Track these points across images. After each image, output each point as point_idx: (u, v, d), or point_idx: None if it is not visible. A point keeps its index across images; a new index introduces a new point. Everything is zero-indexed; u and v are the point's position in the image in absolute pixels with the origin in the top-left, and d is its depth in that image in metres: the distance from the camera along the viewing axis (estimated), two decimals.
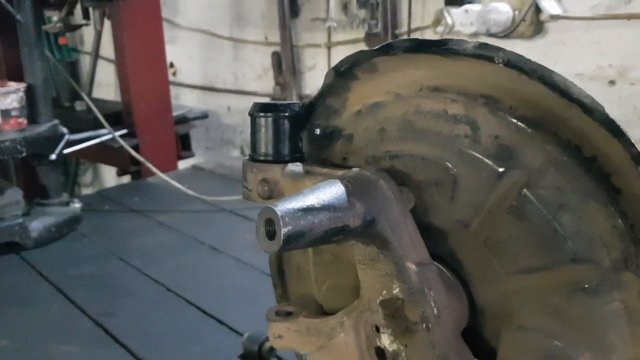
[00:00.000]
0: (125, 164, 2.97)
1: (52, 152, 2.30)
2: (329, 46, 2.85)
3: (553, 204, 0.54)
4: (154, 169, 2.66)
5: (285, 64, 2.98)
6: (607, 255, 0.52)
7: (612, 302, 0.53)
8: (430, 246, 0.64)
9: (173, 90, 3.51)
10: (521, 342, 0.58)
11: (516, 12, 2.11)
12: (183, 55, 3.70)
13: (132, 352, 1.54)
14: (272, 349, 1.48)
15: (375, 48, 0.65)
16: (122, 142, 2.70)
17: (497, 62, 0.55)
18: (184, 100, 3.73)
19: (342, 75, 0.71)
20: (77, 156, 3.63)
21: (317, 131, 0.76)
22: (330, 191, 0.59)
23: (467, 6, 2.15)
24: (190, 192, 2.55)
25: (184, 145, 3.20)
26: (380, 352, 0.67)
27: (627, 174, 0.50)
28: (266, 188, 0.70)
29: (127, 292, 1.88)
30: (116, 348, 1.58)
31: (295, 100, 3.05)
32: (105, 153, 3.08)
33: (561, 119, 0.54)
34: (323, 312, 0.81)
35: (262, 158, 0.72)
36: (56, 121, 2.32)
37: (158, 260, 2.06)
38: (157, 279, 1.93)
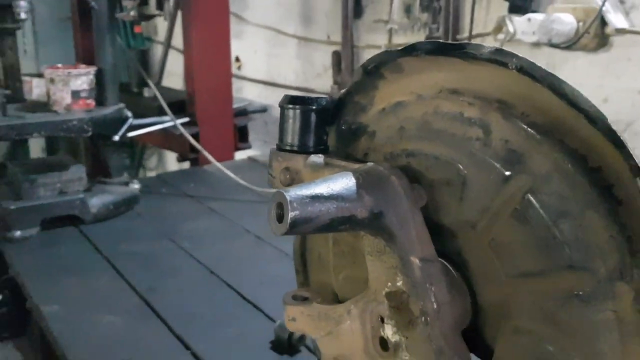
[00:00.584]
0: (185, 151, 3.09)
1: (116, 133, 2.42)
2: (389, 47, 2.86)
3: (555, 210, 0.55)
4: (210, 158, 2.75)
5: (345, 64, 3.01)
6: (603, 265, 0.53)
7: (604, 312, 0.53)
8: (439, 244, 0.66)
9: (237, 84, 3.62)
10: (516, 344, 0.60)
11: (580, 24, 2.06)
12: (249, 49, 3.79)
13: (170, 328, 1.62)
14: (302, 338, 1.52)
15: (399, 49, 0.67)
16: (182, 129, 2.80)
17: (510, 67, 0.56)
18: (247, 94, 3.83)
19: (370, 73, 0.73)
20: (142, 140, 3.78)
21: (345, 126, 0.79)
22: (341, 182, 0.62)
23: (529, 15, 2.12)
24: (242, 182, 2.62)
25: (242, 137, 3.29)
26: (383, 342, 0.69)
27: (629, 187, 0.51)
28: (288, 176, 0.73)
29: (174, 271, 1.97)
30: (157, 322, 1.66)
31: None
32: (167, 139, 3.21)
33: (570, 128, 0.55)
34: (338, 300, 0.84)
35: (287, 148, 0.75)
36: (122, 105, 2.44)
37: (205, 244, 2.15)
38: (203, 261, 2.01)
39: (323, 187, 0.61)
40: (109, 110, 2.40)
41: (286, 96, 0.76)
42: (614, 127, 0.51)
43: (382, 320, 0.69)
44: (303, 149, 0.75)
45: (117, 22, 2.89)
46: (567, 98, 0.53)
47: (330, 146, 0.80)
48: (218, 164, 2.76)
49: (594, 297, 0.53)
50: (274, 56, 3.62)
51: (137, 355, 1.49)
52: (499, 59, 0.57)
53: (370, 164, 0.66)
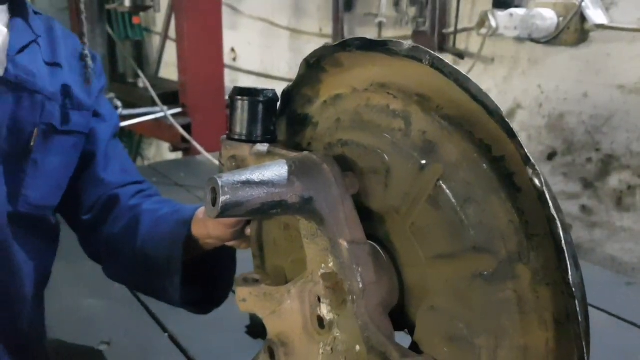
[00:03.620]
0: (177, 141, 3.14)
1: None
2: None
3: (462, 196, 0.59)
4: (199, 148, 2.80)
5: None
6: (504, 247, 0.57)
7: (505, 291, 0.57)
8: (370, 228, 0.70)
9: (232, 75, 3.66)
10: (432, 321, 0.64)
11: (560, 19, 2.09)
12: (243, 41, 3.83)
13: (149, 311, 1.67)
14: None
15: (335, 44, 0.72)
16: (172, 120, 2.85)
17: (425, 63, 0.60)
18: (241, 85, 3.86)
19: (312, 67, 0.78)
20: (136, 130, 3.83)
21: (293, 117, 0.84)
22: (273, 169, 0.66)
23: (511, 10, 2.15)
24: None
25: None
26: (320, 320, 0.74)
27: (525, 174, 0.55)
28: (234, 164, 0.78)
29: None
30: (137, 306, 1.71)
31: None
32: (160, 129, 3.26)
33: (476, 120, 0.59)
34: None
35: (236, 137, 0.80)
36: (112, 95, 2.49)
37: None
38: None
39: (255, 174, 0.65)
40: None
41: (235, 88, 0.80)
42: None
43: (319, 299, 0.73)
44: (250, 138, 0.79)
45: (106, 13, 2.92)
46: (470, 92, 0.57)
47: (280, 136, 0.85)
48: (208, 155, 2.81)
49: (496, 277, 0.58)
50: (267, 48, 3.66)
51: (116, 337, 1.54)
52: (415, 55, 0.61)
53: (305, 152, 0.70)
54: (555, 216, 0.51)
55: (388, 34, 2.81)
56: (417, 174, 0.63)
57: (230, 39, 3.33)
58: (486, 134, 0.59)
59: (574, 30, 2.09)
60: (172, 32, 3.81)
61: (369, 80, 0.71)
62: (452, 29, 2.50)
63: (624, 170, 2.10)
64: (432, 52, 0.60)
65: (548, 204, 0.51)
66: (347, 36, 3.12)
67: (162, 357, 1.51)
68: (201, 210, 1.05)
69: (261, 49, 3.72)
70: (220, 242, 1.01)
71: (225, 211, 0.63)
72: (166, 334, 1.55)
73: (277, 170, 0.67)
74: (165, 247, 1.06)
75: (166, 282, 1.07)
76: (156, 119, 3.07)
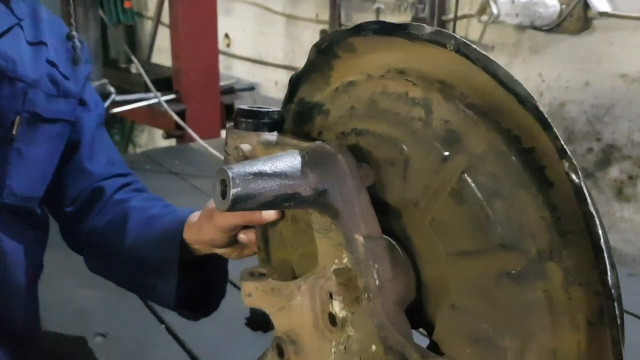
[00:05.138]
0: (171, 128, 3.09)
1: None
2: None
3: (488, 189, 0.56)
4: (194, 135, 2.75)
5: None
6: (534, 245, 0.54)
7: (534, 291, 0.54)
8: (386, 222, 0.67)
9: (226, 61, 3.61)
10: (453, 320, 0.61)
11: (563, 7, 2.06)
12: (237, 27, 3.77)
13: (147, 304, 1.63)
14: None
15: (348, 28, 0.68)
16: (166, 106, 2.80)
17: (449, 48, 0.57)
18: (236, 72, 3.82)
19: (323, 52, 0.74)
20: (129, 117, 3.78)
21: (301, 105, 0.80)
22: (286, 160, 0.63)
23: None
24: None
25: (228, 115, 3.29)
26: (332, 317, 0.71)
27: (559, 168, 0.52)
28: (241, 154, 0.74)
29: None
30: (133, 297, 1.66)
31: None
32: (154, 116, 3.21)
33: (505, 110, 0.55)
34: (296, 278, 0.85)
35: (242, 126, 0.76)
36: (105, 80, 2.44)
37: None
38: None
39: (267, 165, 0.62)
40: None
41: (239, 110, 0.77)
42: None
43: (331, 296, 0.70)
44: (257, 123, 0.76)
45: None
46: (500, 79, 0.53)
47: (287, 124, 0.81)
48: (202, 142, 2.77)
49: (524, 276, 0.55)
50: (262, 34, 3.61)
51: (112, 329, 1.51)
52: (438, 39, 0.57)
53: (318, 142, 0.67)
54: (594, 213, 0.48)
55: (386, 20, 2.77)
56: (439, 165, 0.60)
57: (224, 24, 3.27)
58: (515, 124, 0.55)
59: (577, 18, 2.05)
60: (164, 17, 3.75)
61: (385, 66, 0.67)
62: (452, 16, 2.46)
63: (625, 161, 2.08)
64: (457, 36, 0.56)
65: (586, 199, 0.48)
66: (344, 22, 3.08)
67: (160, 349, 1.48)
68: (195, 214, 1.02)
69: (256, 35, 3.67)
70: (212, 247, 0.99)
71: (236, 204, 0.59)
72: (163, 326, 1.52)
73: (289, 161, 0.63)
74: (158, 247, 1.03)
75: (159, 283, 1.04)
76: (149, 106, 3.02)
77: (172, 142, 3.41)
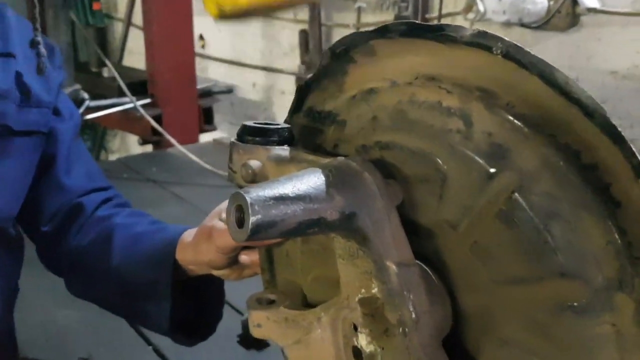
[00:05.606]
0: (147, 134, 2.98)
1: None
2: (358, 27, 2.79)
3: (545, 212, 0.50)
4: (173, 141, 2.66)
5: (313, 43, 2.93)
6: (600, 274, 0.48)
7: (602, 325, 0.48)
8: (415, 245, 0.60)
9: (201, 63, 3.51)
10: (501, 356, 0.55)
11: (551, 3, 2.02)
12: (213, 28, 3.68)
13: (133, 324, 1.54)
14: None
15: (371, 30, 0.61)
16: (142, 111, 2.70)
17: (495, 52, 0.50)
18: (212, 74, 3.72)
19: (338, 57, 0.67)
20: (102, 123, 3.65)
21: (311, 115, 0.73)
22: (309, 180, 0.56)
23: None
24: (207, 166, 2.54)
25: (207, 119, 3.20)
26: (357, 352, 0.64)
27: (629, 187, 0.45)
28: (250, 171, 0.67)
29: None
30: (117, 317, 1.58)
31: None
32: (129, 121, 3.10)
33: (561, 121, 0.49)
34: (308, 302, 0.78)
35: (249, 140, 0.69)
36: (77, 86, 2.33)
37: None
38: None
39: (288, 186, 0.54)
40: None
41: (245, 127, 0.69)
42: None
43: (356, 328, 0.63)
44: (266, 141, 0.68)
45: None
46: (559, 87, 0.47)
47: (295, 135, 0.74)
48: (181, 147, 2.68)
49: (589, 309, 0.48)
50: (239, 35, 3.52)
51: (96, 352, 1.42)
52: (482, 42, 0.51)
53: (340, 158, 0.60)
54: None
55: (367, 19, 2.71)
56: (483, 183, 0.53)
57: (198, 25, 3.17)
58: (574, 138, 0.49)
59: (565, 15, 2.02)
60: (134, 19, 3.63)
61: (412, 71, 0.60)
62: (436, 14, 2.41)
63: None
64: (505, 38, 0.50)
65: None
66: (324, 22, 3.01)
67: None
68: (188, 233, 0.94)
69: (232, 36, 3.58)
70: (210, 269, 0.91)
71: (256, 233, 0.52)
72: (150, 347, 1.44)
73: (312, 182, 0.56)
74: (148, 268, 0.96)
75: (150, 307, 0.97)
76: (124, 111, 2.91)
77: (147, 147, 3.30)
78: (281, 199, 0.53)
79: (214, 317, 1.07)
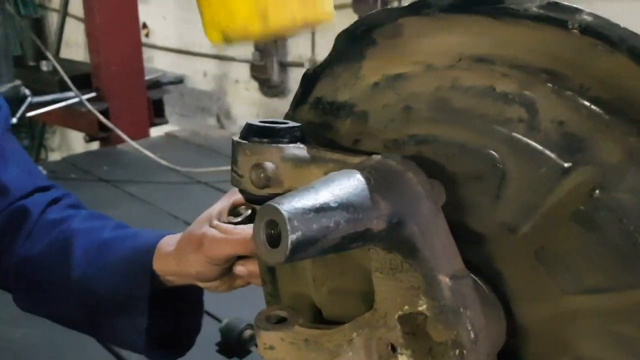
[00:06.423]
0: (94, 130, 2.81)
1: (14, 115, 2.13)
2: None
3: (634, 212, 0.43)
4: (124, 136, 2.50)
5: None
6: None
7: None
8: (462, 253, 0.52)
9: (145, 53, 3.33)
10: None
11: None
12: (157, 15, 3.50)
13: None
14: (252, 337, 1.38)
15: (404, 6, 0.52)
16: (89, 106, 2.53)
17: (571, 27, 0.43)
18: (157, 64, 3.55)
19: (357, 39, 0.58)
20: (43, 119, 3.43)
21: (320, 106, 0.64)
22: (348, 185, 0.47)
23: None
24: (163, 162, 2.40)
25: (157, 112, 3.04)
26: None
27: None
28: (262, 175, 0.57)
29: None
30: (77, 334, 1.46)
31: (275, 66, 2.91)
32: (73, 117, 2.91)
33: None
34: (321, 317, 0.69)
35: (256, 140, 0.59)
36: (18, 82, 2.15)
37: None
38: None
39: (326, 194, 0.45)
40: (3, 89, 2.11)
41: (251, 126, 0.59)
42: None
43: (394, 349, 0.55)
44: (276, 142, 0.59)
45: None
46: None
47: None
48: (133, 143, 2.53)
49: None
50: (186, 22, 3.36)
51: None
52: (555, 15, 0.43)
53: (376, 156, 0.51)
54: None
55: None
56: (554, 180, 0.46)
57: (141, 13, 2.99)
58: None
59: None
60: (71, 8, 3.42)
61: (452, 53, 0.52)
62: None
63: None
64: (582, 8, 0.42)
65: None
66: None
67: None
68: (167, 240, 0.85)
69: (179, 23, 3.41)
70: (196, 281, 0.82)
71: (296, 254, 0.43)
72: None
73: (352, 186, 0.47)
74: (120, 281, 0.85)
75: (123, 323, 0.87)
76: (66, 106, 2.72)
77: (91, 145, 3.11)
78: (322, 210, 0.44)
79: (193, 329, 0.98)
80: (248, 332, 1.34)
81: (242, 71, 3.06)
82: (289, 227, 0.42)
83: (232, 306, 1.47)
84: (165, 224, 2.02)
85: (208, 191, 2.27)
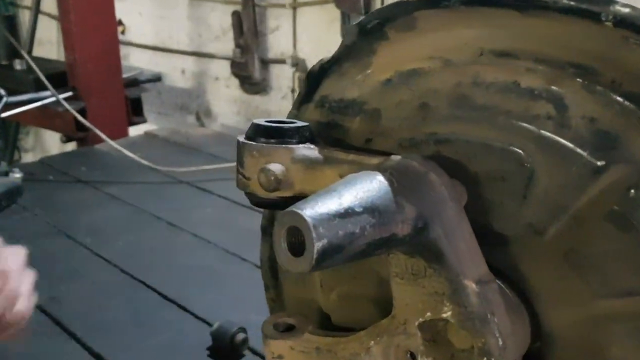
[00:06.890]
0: (71, 130, 2.73)
1: None
2: (295, 6, 2.66)
3: None
4: (103, 136, 2.44)
5: (247, 25, 2.77)
6: None
7: None
8: (483, 255, 0.50)
9: (122, 50, 3.25)
10: None
11: None
12: (133, 11, 3.42)
13: (82, 342, 1.37)
14: (245, 341, 1.35)
15: None
16: (66, 105, 2.46)
17: (604, 20, 0.41)
18: (134, 61, 3.47)
19: (368, 33, 0.56)
20: (17, 120, 3.34)
21: (327, 104, 0.61)
22: (371, 187, 0.44)
23: None
24: (143, 161, 2.35)
25: (135, 110, 2.97)
26: None
27: None
28: (272, 177, 0.54)
29: (76, 274, 1.69)
30: (64, 338, 1.41)
31: (256, 63, 2.86)
32: (48, 117, 2.83)
33: None
34: (329, 323, 0.67)
35: (262, 142, 0.56)
36: None
37: (110, 238, 1.87)
38: (110, 259, 1.74)
39: (350, 197, 0.43)
40: None
41: (257, 126, 0.56)
42: None
43: (414, 357, 0.53)
44: (284, 142, 0.56)
45: None
46: None
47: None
48: (112, 143, 2.46)
49: None
50: (163, 18, 3.30)
51: None
52: (588, 8, 0.41)
53: (396, 157, 0.49)
54: None
55: None
56: (586, 179, 0.44)
57: (116, 9, 2.92)
58: None
59: None
60: (43, 5, 3.33)
61: (472, 47, 0.50)
62: None
63: None
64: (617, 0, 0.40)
65: None
66: (257, 3, 2.85)
67: None
68: None
69: (155, 20, 3.34)
70: None
71: (322, 262, 0.40)
72: None
73: (374, 189, 0.45)
74: None
75: None
76: (41, 106, 2.65)
77: (67, 146, 3.04)
78: (347, 215, 0.41)
79: None
80: (241, 336, 1.31)
81: (222, 68, 3.01)
82: (314, 235, 0.39)
83: (220, 307, 1.44)
84: (147, 225, 1.97)
85: (191, 191, 2.22)
